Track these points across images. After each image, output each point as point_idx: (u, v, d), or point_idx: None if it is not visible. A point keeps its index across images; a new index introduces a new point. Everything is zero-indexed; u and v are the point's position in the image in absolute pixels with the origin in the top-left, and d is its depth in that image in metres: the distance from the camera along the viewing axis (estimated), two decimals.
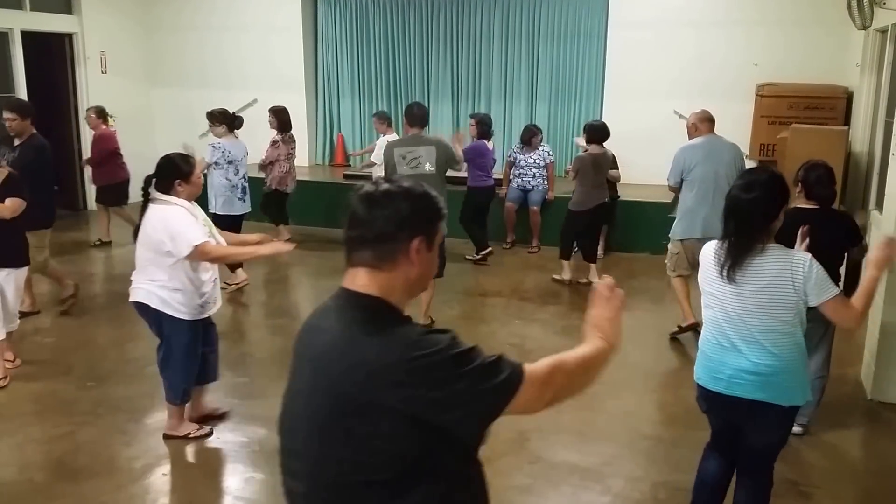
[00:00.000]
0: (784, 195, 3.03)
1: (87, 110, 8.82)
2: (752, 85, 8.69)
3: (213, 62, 11.27)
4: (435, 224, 1.78)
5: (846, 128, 7.77)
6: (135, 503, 3.83)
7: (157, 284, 4.12)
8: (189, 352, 4.27)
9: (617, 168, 8.43)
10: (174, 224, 4.05)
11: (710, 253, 3.08)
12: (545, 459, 4.21)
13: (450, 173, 6.38)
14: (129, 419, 4.67)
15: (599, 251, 8.50)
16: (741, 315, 2.97)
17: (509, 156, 8.93)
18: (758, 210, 2.93)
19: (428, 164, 5.93)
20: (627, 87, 9.41)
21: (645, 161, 8.67)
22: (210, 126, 7.10)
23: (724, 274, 2.96)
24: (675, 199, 6.10)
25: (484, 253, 8.36)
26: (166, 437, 4.42)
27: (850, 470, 4.28)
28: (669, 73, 9.20)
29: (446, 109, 10.48)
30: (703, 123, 5.99)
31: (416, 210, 1.74)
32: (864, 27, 6.82)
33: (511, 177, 8.68)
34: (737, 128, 8.80)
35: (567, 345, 5.64)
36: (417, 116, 6.13)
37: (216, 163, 7.06)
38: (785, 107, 8.16)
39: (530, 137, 8.59)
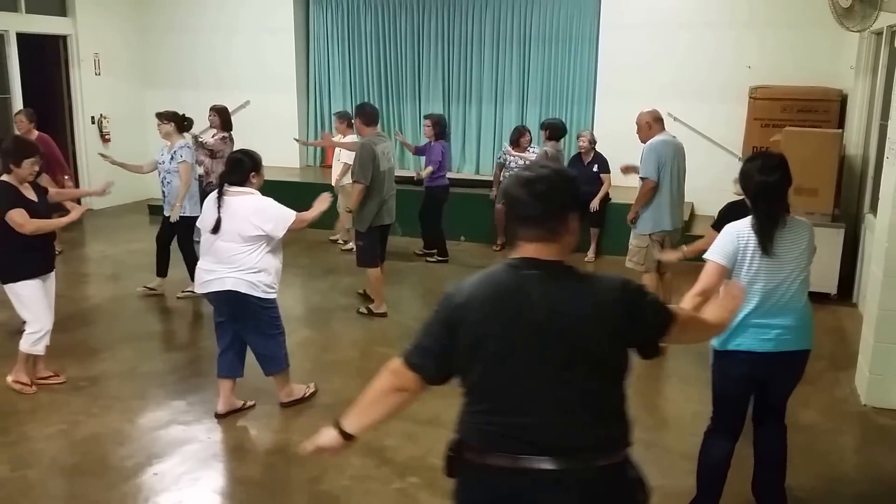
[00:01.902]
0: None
1: (16, 114, 8.24)
2: (745, 87, 8.71)
3: (205, 64, 11.30)
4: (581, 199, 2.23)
5: (840, 131, 7.74)
6: (126, 502, 3.84)
7: (246, 271, 4.42)
8: (280, 324, 4.73)
9: (609, 172, 8.48)
10: (272, 207, 4.47)
11: (745, 233, 3.36)
12: None
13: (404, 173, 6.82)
14: (121, 419, 4.70)
15: (590, 254, 8.61)
16: (787, 281, 3.35)
17: (499, 157, 8.94)
18: (782, 188, 3.35)
19: (392, 158, 6.51)
20: (619, 89, 9.41)
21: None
22: (158, 125, 6.92)
23: (765, 249, 3.31)
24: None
25: (429, 252, 8.62)
26: (287, 404, 4.82)
27: (844, 475, 4.27)
28: (662, 76, 9.22)
29: (437, 111, 10.35)
30: (657, 122, 6.14)
31: (573, 191, 2.13)
32: (859, 30, 6.81)
33: (501, 178, 8.67)
34: (729, 130, 8.86)
35: None
36: (374, 115, 6.52)
37: (191, 162, 6.92)
38: (778, 109, 8.18)
39: (518, 138, 8.57)
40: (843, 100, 8.18)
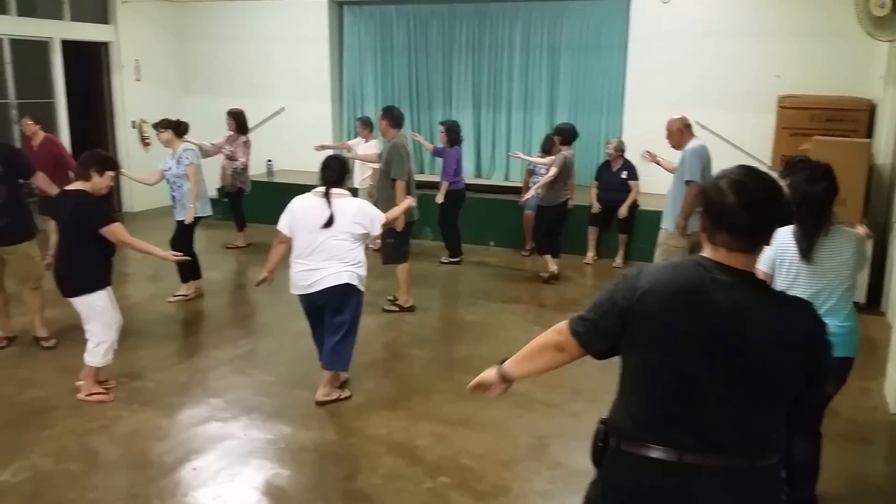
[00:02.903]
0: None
1: (23, 117, 8.15)
2: (773, 96, 8.69)
3: (241, 71, 11.54)
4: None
5: (869, 140, 7.69)
6: (165, 496, 3.93)
7: (355, 265, 4.82)
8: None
9: (637, 179, 8.54)
10: (369, 207, 4.97)
11: (786, 240, 3.40)
12: (566, 466, 4.23)
13: (425, 178, 7.16)
14: (160, 415, 4.82)
15: (618, 260, 8.68)
16: (827, 289, 3.39)
17: (528, 164, 9.01)
18: (827, 198, 3.36)
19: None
20: (648, 97, 9.44)
21: (666, 172, 8.71)
22: (157, 135, 7.10)
23: (804, 256, 3.36)
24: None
25: (454, 260, 8.69)
26: (321, 403, 4.94)
27: (874, 484, 4.26)
28: (690, 85, 9.22)
29: (467, 118, 10.56)
30: (688, 128, 6.29)
31: (784, 205, 2.08)
32: (891, 41, 6.78)
33: (530, 184, 8.73)
34: (758, 139, 8.82)
35: None
36: (400, 118, 6.87)
37: (197, 164, 7.09)
38: (807, 118, 8.14)
39: (551, 147, 8.65)
40: (871, 109, 8.12)
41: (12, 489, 3.96)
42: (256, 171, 10.02)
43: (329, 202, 4.73)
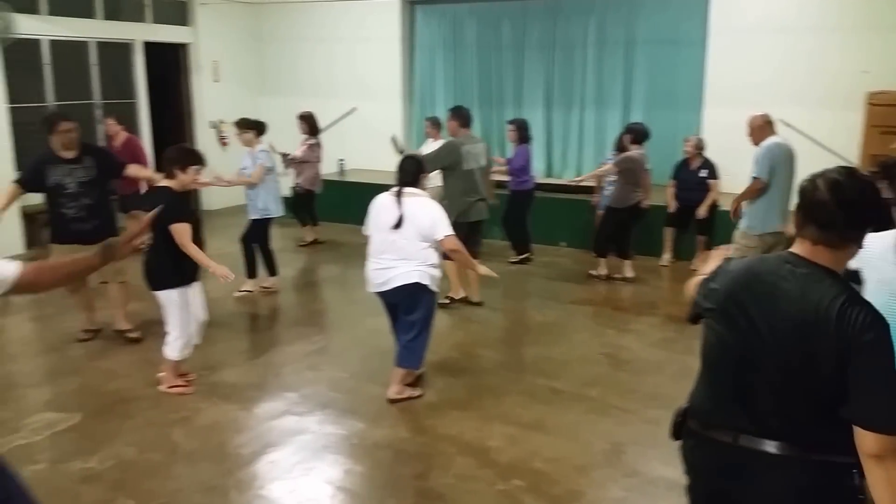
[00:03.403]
0: None
1: (105, 117, 8.69)
2: (860, 92, 8.33)
3: (315, 71, 11.71)
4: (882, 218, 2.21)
5: None
6: (242, 488, 4.00)
7: (427, 265, 4.79)
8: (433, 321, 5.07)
9: (717, 178, 8.32)
10: (438, 211, 4.83)
11: (889, 244, 3.18)
12: (642, 473, 4.14)
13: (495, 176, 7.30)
14: (238, 408, 4.93)
15: (697, 263, 8.45)
16: None
17: (603, 163, 8.86)
18: None
19: (482, 158, 6.89)
20: (729, 94, 9.13)
21: (747, 170, 8.44)
22: (238, 133, 7.27)
23: None
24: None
25: (522, 257, 8.64)
26: (394, 401, 4.96)
27: None
28: (773, 81, 8.89)
29: (538, 117, 10.45)
30: (769, 125, 6.26)
31: (879, 207, 2.13)
32: None
33: (603, 184, 8.60)
34: (841, 136, 8.48)
35: (664, 357, 5.63)
36: (468, 118, 6.94)
37: (271, 167, 7.28)
38: None
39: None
40: None
41: (99, 476, 4.11)
42: (328, 170, 10.15)
43: (400, 202, 4.76)
